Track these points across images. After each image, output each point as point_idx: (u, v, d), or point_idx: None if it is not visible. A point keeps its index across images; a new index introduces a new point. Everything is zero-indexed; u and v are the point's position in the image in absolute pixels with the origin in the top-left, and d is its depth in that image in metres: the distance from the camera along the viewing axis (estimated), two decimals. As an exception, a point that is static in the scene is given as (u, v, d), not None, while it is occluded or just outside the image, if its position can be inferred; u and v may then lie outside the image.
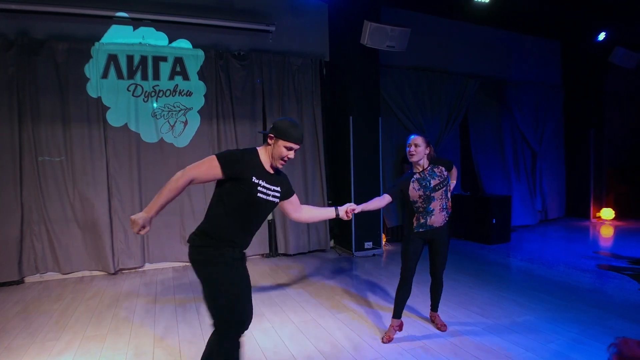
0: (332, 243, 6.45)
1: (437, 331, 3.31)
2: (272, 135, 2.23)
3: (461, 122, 7.36)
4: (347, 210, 2.67)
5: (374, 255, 5.92)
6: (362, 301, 4.07)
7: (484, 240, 6.58)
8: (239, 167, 2.15)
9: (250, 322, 2.22)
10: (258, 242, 5.85)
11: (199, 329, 3.49)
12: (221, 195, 2.20)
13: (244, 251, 2.31)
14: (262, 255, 5.98)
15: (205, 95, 5.59)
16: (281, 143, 2.21)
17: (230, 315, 2.12)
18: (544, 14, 7.04)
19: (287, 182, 2.45)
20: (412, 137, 3.18)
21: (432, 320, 3.45)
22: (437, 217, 3.14)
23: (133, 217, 1.96)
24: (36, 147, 4.94)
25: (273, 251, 6.04)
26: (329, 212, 2.72)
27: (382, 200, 3.15)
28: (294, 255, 6.03)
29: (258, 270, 5.25)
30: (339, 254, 6.09)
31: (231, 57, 5.67)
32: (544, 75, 8.37)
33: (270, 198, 2.28)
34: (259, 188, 2.19)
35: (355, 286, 4.56)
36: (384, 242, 6.20)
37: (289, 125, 2.24)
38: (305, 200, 6.09)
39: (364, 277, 4.92)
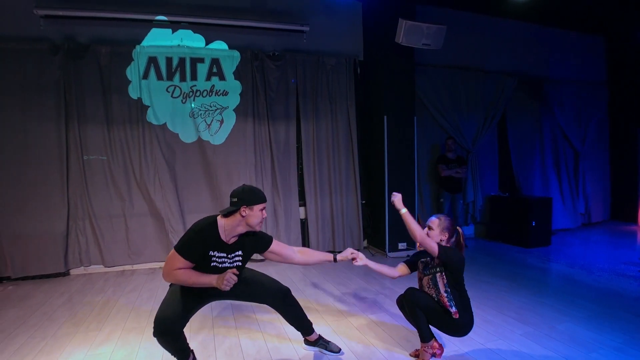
0: (365, 243, 6.41)
1: (471, 336, 3.21)
2: (244, 206, 2.40)
3: (499, 121, 7.17)
4: (353, 256, 2.83)
5: (408, 256, 5.83)
6: (395, 303, 4.02)
7: (522, 243, 6.38)
8: (195, 250, 2.36)
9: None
10: (292, 242, 5.90)
11: (233, 322, 3.55)
12: None
13: None
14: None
15: (240, 94, 5.68)
16: (256, 208, 2.43)
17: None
18: (587, 8, 6.74)
19: (252, 242, 2.59)
20: (432, 218, 3.02)
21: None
22: None
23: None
24: (81, 147, 5.17)
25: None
26: (327, 257, 2.86)
27: (393, 271, 3.06)
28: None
29: (291, 269, 5.29)
30: (372, 254, 6.05)
31: (266, 58, 5.73)
32: (586, 72, 8.02)
33: (227, 264, 2.47)
34: (212, 259, 2.42)
35: (389, 288, 4.52)
36: (418, 244, 6.10)
37: (253, 190, 2.48)
38: (340, 202, 6.10)
39: (398, 278, 4.85)
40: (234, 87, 5.66)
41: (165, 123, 5.43)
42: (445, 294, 2.68)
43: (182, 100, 5.48)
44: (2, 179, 4.90)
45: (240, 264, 2.54)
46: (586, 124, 7.87)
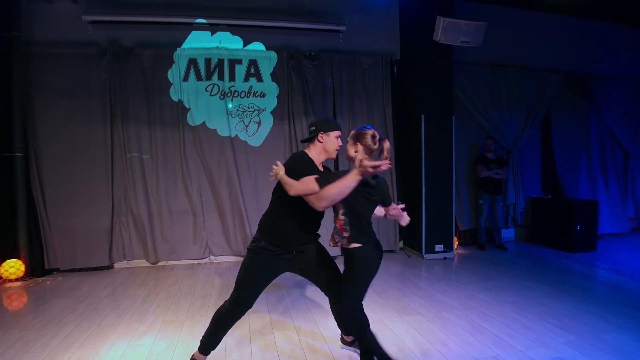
0: (401, 244, 6.34)
1: (511, 343, 3.11)
2: (321, 132, 2.54)
3: (542, 120, 6.91)
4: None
5: (444, 258, 5.74)
6: (431, 305, 3.96)
7: (565, 248, 6.12)
8: (315, 172, 2.40)
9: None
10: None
11: (268, 319, 3.60)
12: (285, 200, 2.45)
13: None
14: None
15: (277, 97, 5.75)
16: (332, 134, 2.55)
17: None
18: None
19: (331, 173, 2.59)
20: None
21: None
22: None
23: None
24: (125, 146, 5.38)
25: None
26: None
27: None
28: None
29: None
30: (408, 255, 5.97)
31: (302, 58, 5.77)
32: (637, 68, 7.58)
33: None
34: None
35: (425, 289, 4.45)
36: (455, 245, 5.98)
37: (328, 119, 2.64)
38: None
39: (434, 280, 4.79)
40: (271, 89, 5.73)
41: (204, 122, 5.57)
42: (342, 217, 2.45)
43: (220, 97, 5.60)
44: (53, 177, 5.19)
45: None
46: (637, 123, 7.45)
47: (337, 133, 2.58)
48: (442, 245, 5.78)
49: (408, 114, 6.14)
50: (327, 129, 2.55)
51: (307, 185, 2.31)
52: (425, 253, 5.75)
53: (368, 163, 2.09)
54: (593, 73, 7.15)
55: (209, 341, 2.64)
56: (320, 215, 2.58)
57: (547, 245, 6.44)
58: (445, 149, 5.80)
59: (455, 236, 6.04)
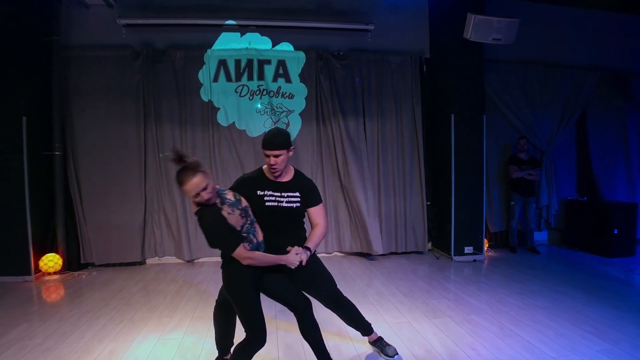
0: (429, 245, 6.25)
1: (543, 349, 3.02)
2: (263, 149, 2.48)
3: (578, 120, 6.67)
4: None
5: (474, 260, 5.63)
6: (460, 308, 3.89)
7: (602, 252, 5.90)
8: (244, 188, 2.47)
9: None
10: (352, 241, 5.91)
11: (294, 318, 3.60)
12: None
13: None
14: (357, 253, 6.01)
15: (306, 98, 5.77)
16: (264, 154, 2.46)
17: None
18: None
19: (308, 190, 2.57)
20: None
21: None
22: None
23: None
24: (158, 145, 5.53)
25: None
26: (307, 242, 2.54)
27: None
28: (389, 255, 5.97)
29: (353, 269, 5.30)
30: (437, 257, 5.88)
31: (331, 58, 5.78)
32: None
33: (285, 204, 2.49)
34: (265, 198, 2.48)
35: (453, 292, 4.38)
36: (486, 248, 5.85)
37: (264, 136, 2.50)
38: (404, 202, 6.01)
39: (463, 283, 4.70)
40: (299, 90, 5.76)
41: (234, 122, 5.66)
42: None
43: (249, 98, 5.68)
44: (89, 175, 5.39)
45: (298, 204, 2.55)
46: (680, 122, 7.09)
47: (264, 151, 2.45)
48: (471, 247, 5.67)
49: (437, 114, 6.06)
50: (262, 146, 2.48)
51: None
52: (454, 255, 5.66)
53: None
54: (632, 70, 6.84)
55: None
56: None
57: (582, 249, 6.22)
58: (475, 149, 5.68)
59: (486, 238, 5.91)
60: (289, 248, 2.42)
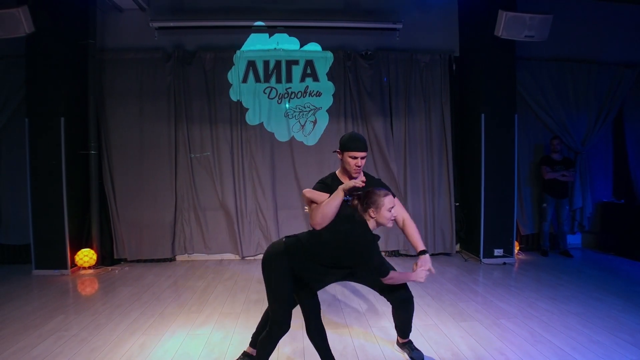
0: (457, 247, 6.16)
1: (575, 357, 2.90)
2: (338, 151, 2.65)
3: (614, 119, 6.42)
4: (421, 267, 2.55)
5: (504, 263, 5.50)
6: (488, 312, 3.81)
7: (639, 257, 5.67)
8: (328, 191, 2.50)
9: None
10: (380, 241, 5.86)
11: (321, 316, 3.62)
12: None
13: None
14: (385, 253, 5.97)
15: (333, 95, 5.78)
16: (345, 154, 2.58)
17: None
18: None
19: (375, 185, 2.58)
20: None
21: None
22: None
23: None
24: (189, 144, 5.67)
25: (395, 250, 5.99)
26: (416, 244, 2.72)
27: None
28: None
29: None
30: (465, 259, 5.78)
31: (358, 57, 5.77)
32: None
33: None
34: (348, 203, 2.50)
35: (482, 295, 4.29)
36: (516, 251, 5.71)
37: (347, 138, 2.63)
38: (432, 203, 5.93)
39: (492, 286, 4.60)
40: (327, 88, 5.78)
41: (262, 123, 5.73)
42: None
43: (277, 101, 5.73)
44: (122, 173, 5.57)
45: None
46: None
47: (350, 153, 2.56)
48: (501, 250, 5.54)
49: (467, 113, 5.95)
50: (342, 148, 2.62)
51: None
52: (484, 257, 5.54)
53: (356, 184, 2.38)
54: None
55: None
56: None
57: (618, 253, 5.99)
58: (506, 149, 5.55)
59: (516, 241, 5.77)
60: (413, 267, 2.56)
